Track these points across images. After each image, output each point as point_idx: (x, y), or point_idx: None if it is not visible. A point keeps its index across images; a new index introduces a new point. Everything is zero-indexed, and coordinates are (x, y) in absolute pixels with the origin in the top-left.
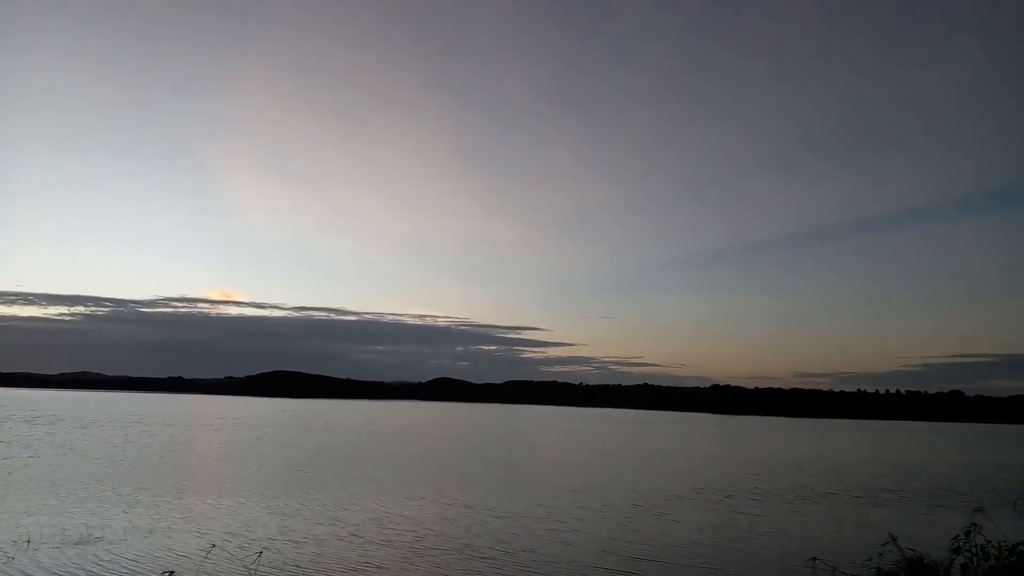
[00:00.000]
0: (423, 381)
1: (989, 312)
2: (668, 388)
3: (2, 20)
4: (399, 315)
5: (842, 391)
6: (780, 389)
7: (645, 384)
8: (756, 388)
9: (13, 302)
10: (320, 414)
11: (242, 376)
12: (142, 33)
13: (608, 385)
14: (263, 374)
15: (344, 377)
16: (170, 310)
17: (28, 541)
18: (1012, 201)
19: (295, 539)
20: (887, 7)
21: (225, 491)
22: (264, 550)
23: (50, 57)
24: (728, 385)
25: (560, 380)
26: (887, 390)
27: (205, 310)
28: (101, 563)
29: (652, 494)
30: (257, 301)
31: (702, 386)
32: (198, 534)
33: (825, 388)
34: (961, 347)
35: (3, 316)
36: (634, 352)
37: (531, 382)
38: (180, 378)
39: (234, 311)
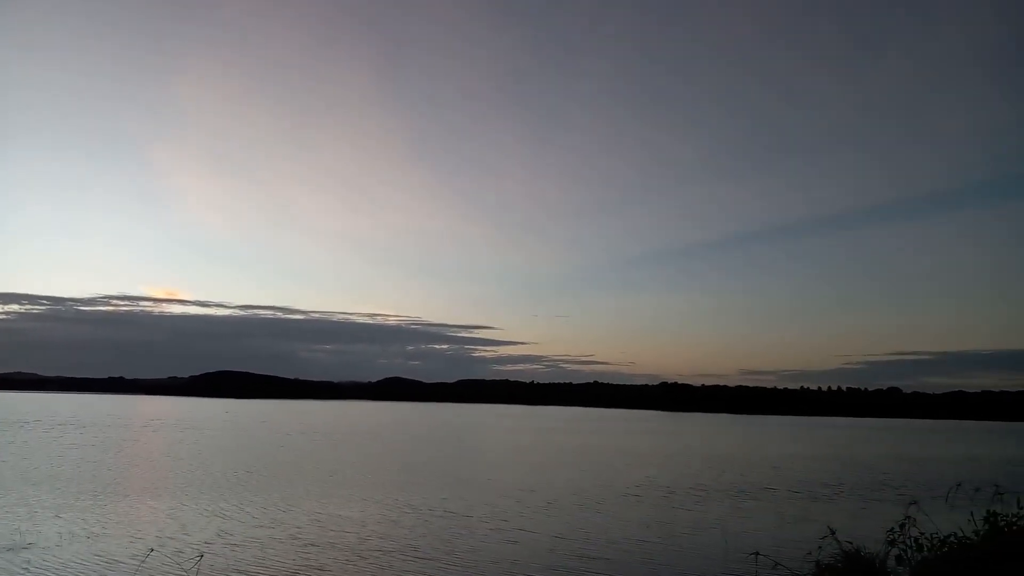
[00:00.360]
0: (373, 381)
1: (925, 311)
2: (618, 386)
3: None
4: (349, 314)
5: (786, 388)
6: (726, 387)
7: (595, 382)
8: (703, 385)
9: None
10: (264, 415)
11: (186, 376)
12: (84, 27)
13: (559, 383)
14: (208, 374)
15: (293, 377)
16: (110, 308)
17: None
18: (945, 203)
19: (235, 542)
20: (848, 1)
21: (162, 494)
22: (204, 554)
23: None
24: (676, 383)
25: (512, 379)
26: (829, 387)
27: (147, 308)
28: (34, 570)
29: (597, 492)
30: (201, 299)
31: (651, 383)
32: (135, 538)
33: (769, 385)
34: (900, 345)
35: None
36: (585, 350)
37: (482, 381)
38: (121, 378)
39: (178, 310)
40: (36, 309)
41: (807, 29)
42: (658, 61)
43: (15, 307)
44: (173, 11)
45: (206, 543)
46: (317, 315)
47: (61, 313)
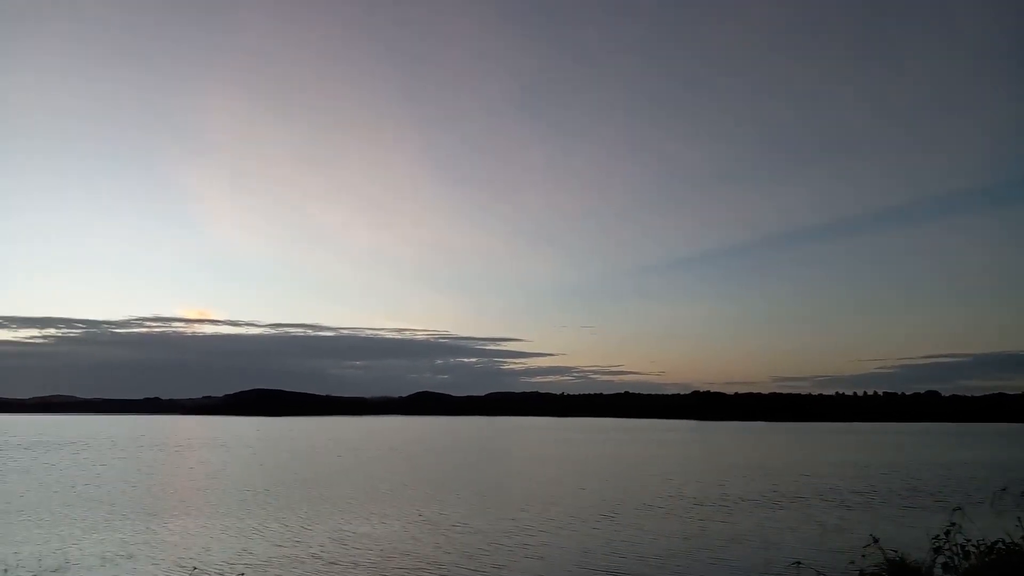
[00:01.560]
0: (404, 396)
1: (963, 313)
2: (648, 396)
3: None
4: (377, 330)
5: (820, 394)
6: (759, 394)
7: (626, 392)
8: (735, 393)
9: None
10: (296, 432)
11: (220, 395)
12: (113, 57)
13: (589, 394)
14: (241, 393)
15: (324, 394)
16: (144, 330)
17: (5, 571)
18: (985, 202)
19: (257, 561)
20: (857, 11)
21: (192, 513)
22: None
23: (20, 82)
24: (707, 391)
25: (541, 391)
26: (864, 392)
27: (180, 329)
28: None
29: (627, 504)
30: (233, 319)
31: (682, 392)
32: (176, 558)
33: (803, 392)
34: (936, 348)
35: None
36: (613, 360)
37: (512, 393)
38: (157, 399)
39: (210, 330)
40: (73, 332)
41: (819, 38)
42: (673, 71)
43: (52, 331)
44: (196, 40)
45: (228, 563)
46: (346, 332)
47: (97, 336)
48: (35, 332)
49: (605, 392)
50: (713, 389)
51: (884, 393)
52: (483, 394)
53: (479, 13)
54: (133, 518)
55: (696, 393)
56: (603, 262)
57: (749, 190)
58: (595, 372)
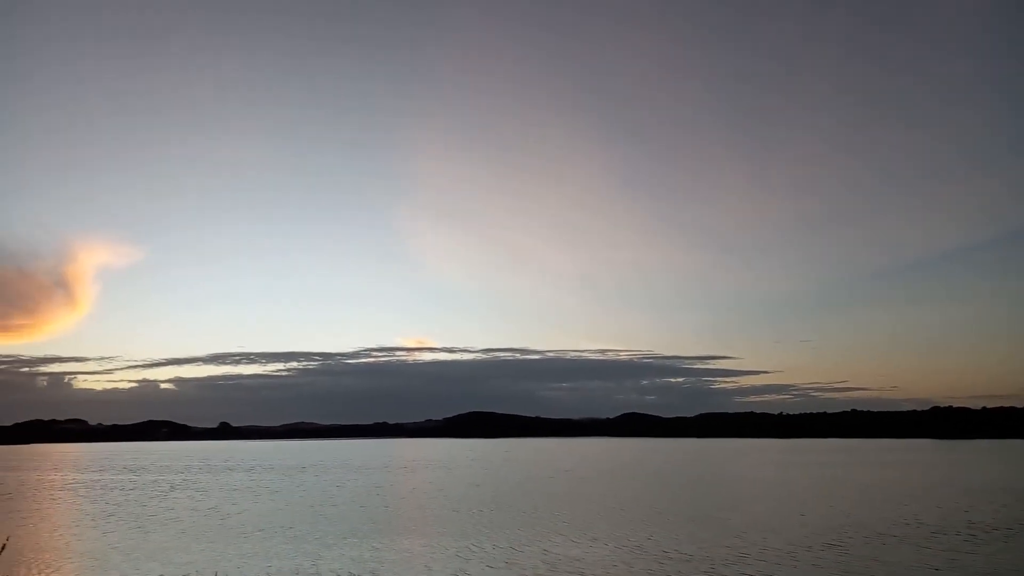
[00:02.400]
0: (611, 417)
1: None
2: (879, 413)
3: (198, 99)
4: (581, 351)
5: None
6: (1012, 408)
7: (852, 410)
8: (983, 408)
9: (238, 361)
10: (511, 454)
11: (440, 419)
12: (327, 102)
13: (810, 414)
14: (459, 416)
15: (533, 415)
16: (372, 360)
17: None
18: None
19: None
20: None
21: (422, 533)
22: None
23: (246, 139)
24: (948, 406)
25: (757, 411)
26: None
27: (402, 357)
28: None
29: (854, 532)
30: (448, 346)
31: (919, 409)
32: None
33: None
34: None
35: (231, 375)
36: (837, 376)
37: (725, 414)
38: (385, 423)
39: (427, 356)
40: (311, 365)
41: None
42: (886, 58)
43: (295, 364)
44: (403, 87)
45: None
46: (552, 354)
47: (331, 367)
48: (280, 365)
49: (829, 411)
50: (955, 404)
51: None
52: (693, 415)
53: (665, 24)
54: (364, 537)
55: (936, 409)
56: (820, 269)
57: (991, 178)
58: (816, 389)
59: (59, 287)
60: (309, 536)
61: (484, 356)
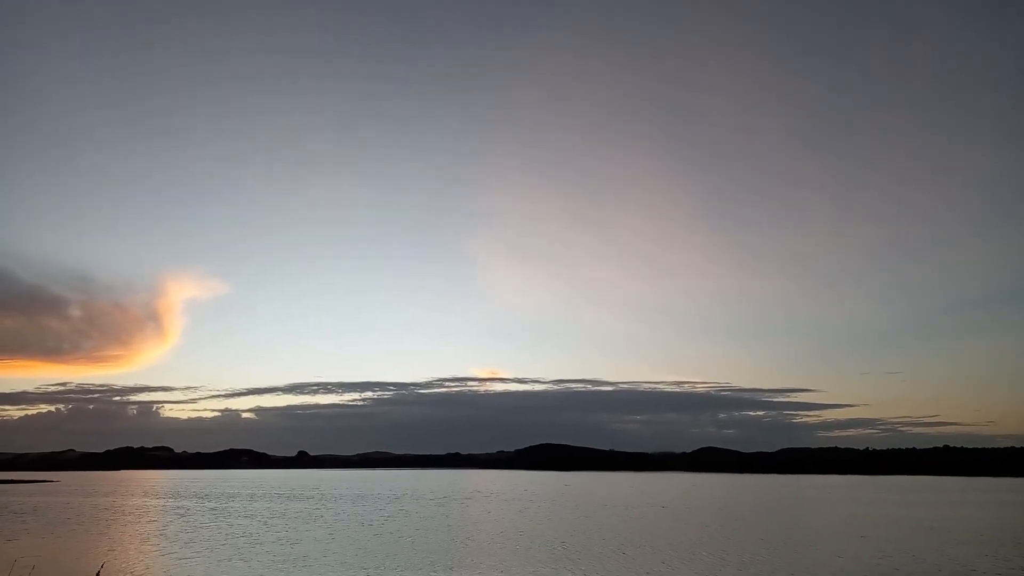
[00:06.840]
0: (687, 451)
1: None
2: (974, 450)
3: (283, 140)
4: (655, 383)
5: None
6: None
7: (944, 446)
8: None
9: (316, 391)
10: (584, 488)
11: (511, 450)
12: (405, 140)
13: (898, 449)
14: (530, 447)
15: (606, 448)
16: (444, 390)
17: None
18: None
19: None
20: None
21: (490, 567)
22: None
23: (327, 178)
24: None
25: (841, 446)
26: None
27: (474, 388)
28: None
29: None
30: (519, 377)
31: (1017, 446)
32: None
33: None
34: None
35: (309, 404)
36: (927, 410)
37: (807, 449)
38: (457, 454)
39: (499, 387)
40: (385, 395)
41: None
42: (975, 76)
43: (369, 394)
44: (475, 118)
45: None
46: (625, 386)
47: (405, 397)
48: (356, 395)
49: (918, 446)
50: None
51: None
52: (773, 450)
53: (742, 52)
54: (436, 569)
55: None
56: (909, 299)
57: None
58: (905, 424)
59: (150, 320)
60: (386, 567)
61: (555, 387)
